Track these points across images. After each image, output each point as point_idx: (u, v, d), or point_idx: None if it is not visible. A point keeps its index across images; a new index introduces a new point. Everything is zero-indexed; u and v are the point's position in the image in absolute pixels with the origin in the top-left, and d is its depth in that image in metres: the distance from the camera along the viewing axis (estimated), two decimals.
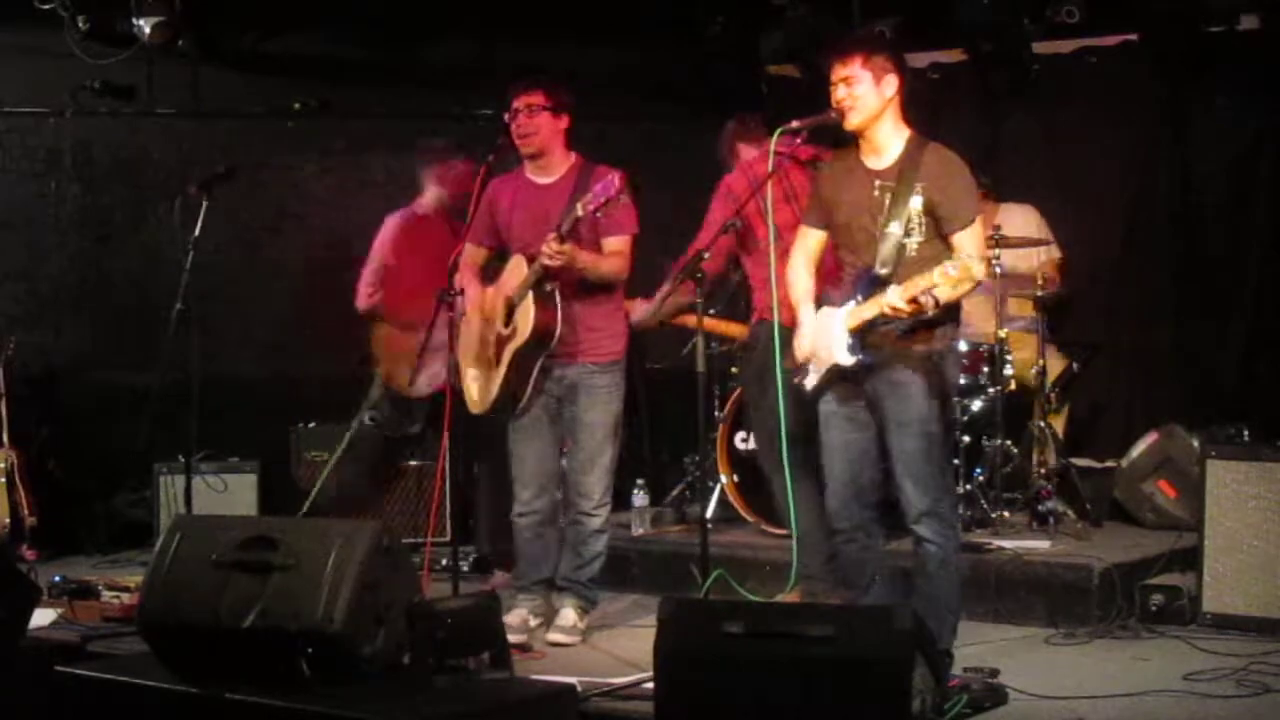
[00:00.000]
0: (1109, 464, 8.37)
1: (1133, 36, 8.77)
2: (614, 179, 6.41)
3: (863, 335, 5.78)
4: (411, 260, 8.21)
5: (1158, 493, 7.98)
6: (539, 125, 6.76)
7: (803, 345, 5.96)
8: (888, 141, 5.87)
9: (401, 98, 9.97)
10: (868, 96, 5.81)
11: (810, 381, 5.95)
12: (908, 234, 5.70)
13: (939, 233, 5.76)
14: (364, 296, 8.49)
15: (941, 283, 5.45)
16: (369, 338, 8.56)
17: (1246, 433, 7.38)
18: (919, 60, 9.22)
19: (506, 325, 6.77)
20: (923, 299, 5.55)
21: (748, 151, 7.18)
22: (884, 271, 5.69)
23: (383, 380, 8.45)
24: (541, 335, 6.65)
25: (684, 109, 10.06)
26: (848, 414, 5.93)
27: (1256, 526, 6.63)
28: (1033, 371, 7.99)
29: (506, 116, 6.83)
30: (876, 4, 8.93)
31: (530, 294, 6.64)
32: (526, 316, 6.65)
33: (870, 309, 5.71)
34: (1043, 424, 7.94)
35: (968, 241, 5.73)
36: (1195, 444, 7.57)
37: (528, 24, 9.38)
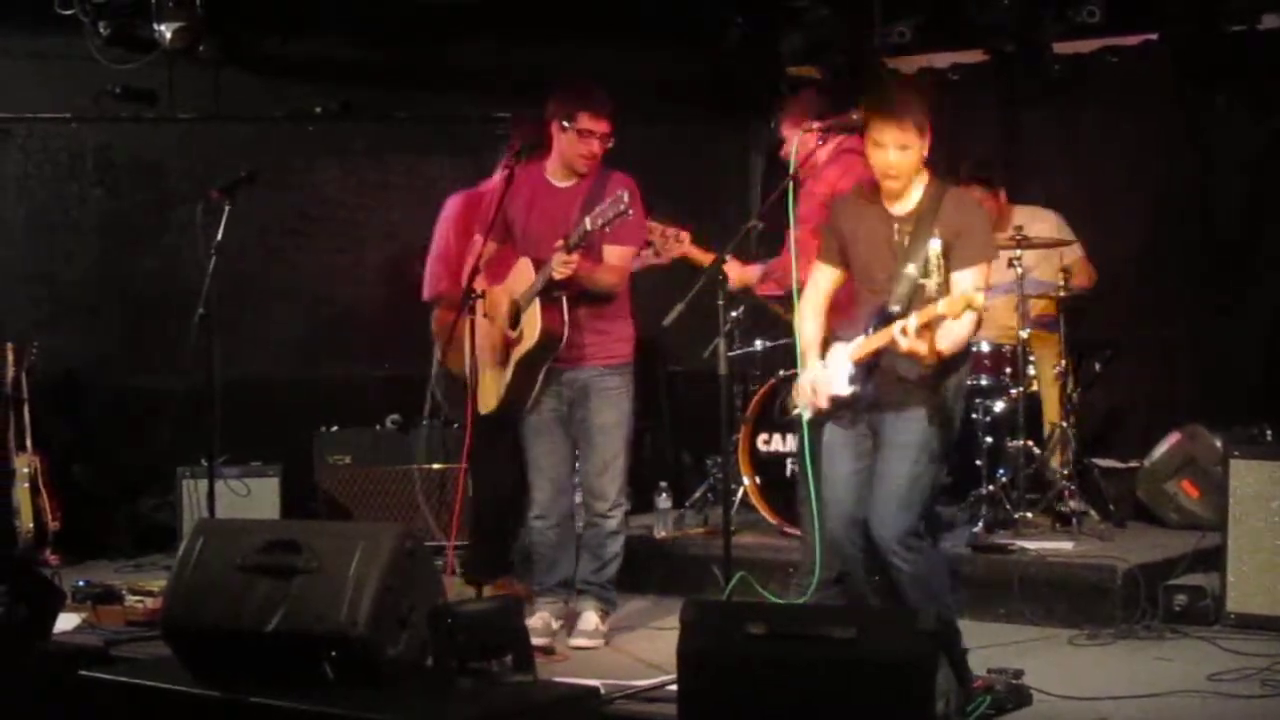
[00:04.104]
0: (1132, 464, 8.36)
1: (1153, 36, 8.77)
2: (623, 194, 6.41)
3: (866, 367, 5.77)
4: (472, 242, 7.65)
5: (1180, 493, 7.97)
6: (599, 153, 6.76)
7: (802, 391, 5.95)
8: (910, 188, 5.83)
9: (421, 101, 10.00)
10: (916, 164, 5.76)
11: (808, 413, 5.95)
12: (925, 275, 5.68)
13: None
14: (430, 286, 8.00)
15: (944, 310, 5.44)
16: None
17: (1270, 432, 7.37)
18: (939, 61, 9.25)
19: (513, 329, 6.78)
20: (936, 329, 5.54)
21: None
22: (896, 309, 5.67)
23: (440, 362, 8.16)
24: (548, 341, 6.66)
25: (703, 111, 10.07)
26: (852, 444, 5.90)
27: None
28: (1054, 372, 7.98)
29: (562, 123, 6.75)
30: (897, 4, 8.94)
31: (537, 300, 6.65)
32: (533, 322, 6.66)
33: (877, 340, 5.68)
34: (1065, 425, 7.93)
35: (967, 277, 5.67)
36: (1218, 444, 7.56)
37: (545, 27, 9.38)
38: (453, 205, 8.03)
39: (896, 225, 5.81)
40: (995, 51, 9.01)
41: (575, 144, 6.75)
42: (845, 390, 5.79)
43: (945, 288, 5.67)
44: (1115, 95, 8.98)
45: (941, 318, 5.47)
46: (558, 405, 6.86)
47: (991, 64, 9.14)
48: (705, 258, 7.11)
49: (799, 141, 6.39)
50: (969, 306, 5.43)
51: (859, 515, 5.88)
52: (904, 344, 5.51)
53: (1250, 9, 8.29)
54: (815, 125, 6.17)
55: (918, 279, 5.67)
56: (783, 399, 5.97)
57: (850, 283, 6.00)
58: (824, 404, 5.86)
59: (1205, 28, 8.40)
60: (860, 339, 5.76)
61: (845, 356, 5.79)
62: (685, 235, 7.24)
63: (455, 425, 8.50)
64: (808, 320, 6.02)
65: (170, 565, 5.94)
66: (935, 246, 5.64)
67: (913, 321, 5.49)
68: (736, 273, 7.14)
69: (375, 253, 10.00)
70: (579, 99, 6.76)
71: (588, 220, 6.46)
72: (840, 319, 6.01)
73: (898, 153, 5.73)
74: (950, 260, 5.68)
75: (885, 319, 5.69)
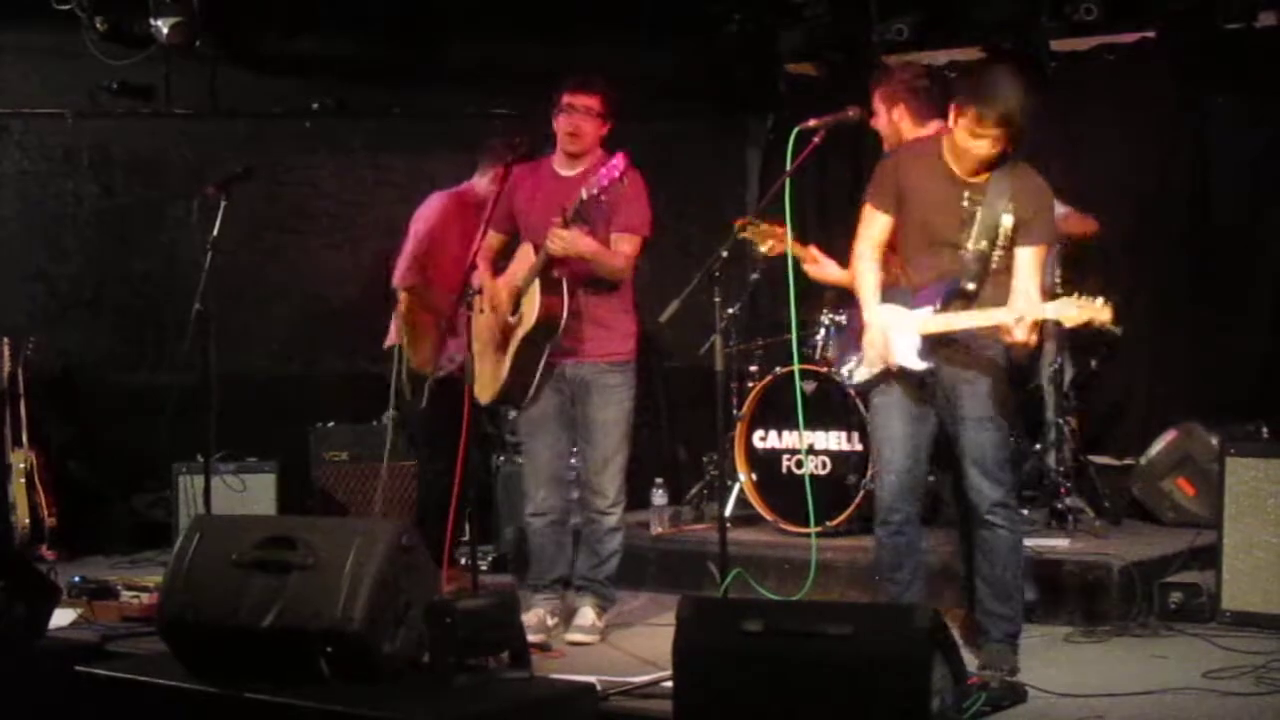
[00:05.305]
0: (1128, 462, 8.37)
1: (1150, 34, 8.77)
2: (617, 161, 6.41)
3: (933, 341, 5.78)
4: (454, 244, 7.70)
5: (1176, 490, 7.98)
6: (587, 129, 6.75)
7: (873, 348, 5.90)
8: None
9: (418, 98, 9.98)
10: (989, 152, 5.72)
11: (859, 375, 5.95)
12: (994, 250, 5.72)
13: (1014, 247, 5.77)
14: (402, 272, 7.88)
15: (1067, 319, 5.50)
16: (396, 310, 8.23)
17: (1265, 430, 7.37)
18: (937, 58, 9.23)
19: (514, 314, 6.77)
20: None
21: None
22: (971, 286, 5.71)
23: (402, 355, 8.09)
24: (547, 321, 6.64)
25: (701, 108, 10.06)
26: (909, 407, 5.93)
27: (1276, 524, 6.61)
28: (1051, 369, 7.98)
29: (554, 109, 6.77)
30: (894, 1, 8.94)
31: (536, 281, 6.64)
32: (532, 303, 6.65)
33: (961, 321, 5.70)
34: (1061, 421, 7.93)
35: (1028, 260, 5.71)
36: (1214, 441, 7.55)
37: (544, 24, 9.38)
38: (437, 203, 7.95)
39: (966, 193, 5.79)
40: (993, 49, 9.00)
41: (561, 123, 6.77)
42: (918, 365, 5.80)
43: (1006, 259, 5.72)
44: (1112, 93, 8.97)
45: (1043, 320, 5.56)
46: (558, 400, 6.85)
47: (989, 61, 9.13)
48: (803, 253, 7.06)
49: (882, 123, 6.44)
50: (1088, 324, 5.47)
51: (910, 480, 5.96)
52: (1020, 335, 5.52)
53: (1247, 7, 8.30)
54: (811, 123, 6.12)
55: (989, 254, 5.71)
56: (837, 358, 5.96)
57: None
58: (893, 366, 5.85)
59: (1202, 25, 8.40)
60: (928, 310, 5.77)
61: (915, 329, 5.78)
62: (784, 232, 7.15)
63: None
64: (870, 270, 5.97)
65: (166, 561, 5.93)
66: (1008, 222, 5.69)
67: (1029, 319, 5.50)
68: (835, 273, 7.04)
69: (372, 249, 9.97)
70: (565, 80, 6.79)
71: (583, 190, 6.45)
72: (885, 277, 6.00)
73: (973, 140, 5.70)
74: (1017, 235, 5.72)
75: (957, 294, 5.73)
